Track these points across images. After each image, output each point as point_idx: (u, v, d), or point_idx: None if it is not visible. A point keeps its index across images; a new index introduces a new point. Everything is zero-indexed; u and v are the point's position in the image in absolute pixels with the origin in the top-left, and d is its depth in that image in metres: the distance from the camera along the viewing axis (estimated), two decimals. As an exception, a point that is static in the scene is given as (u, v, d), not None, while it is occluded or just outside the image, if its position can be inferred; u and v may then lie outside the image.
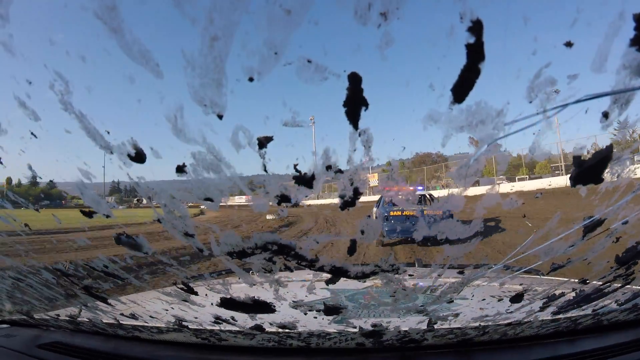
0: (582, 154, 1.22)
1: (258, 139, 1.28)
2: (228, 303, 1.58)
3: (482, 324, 1.65)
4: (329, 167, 1.27)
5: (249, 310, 1.62)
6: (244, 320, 1.68)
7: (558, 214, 1.66)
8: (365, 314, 2.24)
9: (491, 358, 1.65)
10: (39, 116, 1.45)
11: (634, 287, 1.80)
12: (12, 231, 1.92)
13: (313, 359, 1.69)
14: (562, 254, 1.59)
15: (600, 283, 1.72)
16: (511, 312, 1.72)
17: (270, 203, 1.38)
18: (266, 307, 1.60)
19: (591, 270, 1.70)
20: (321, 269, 1.40)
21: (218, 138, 1.26)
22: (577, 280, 1.92)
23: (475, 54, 1.07)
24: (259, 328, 1.64)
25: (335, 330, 1.68)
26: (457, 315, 1.78)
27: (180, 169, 1.30)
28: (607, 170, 1.19)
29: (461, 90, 1.13)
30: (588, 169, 1.19)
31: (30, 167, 1.74)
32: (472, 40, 1.05)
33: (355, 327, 1.67)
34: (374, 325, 1.61)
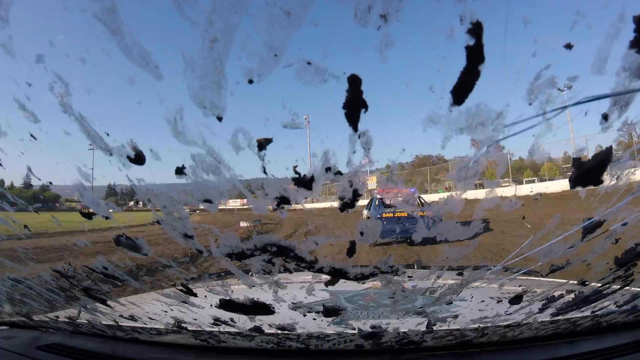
0: (582, 156, 1.22)
1: (257, 140, 1.28)
2: (227, 304, 1.58)
3: (481, 325, 1.65)
4: (328, 169, 1.27)
5: (248, 311, 1.62)
6: (243, 321, 1.68)
7: (558, 216, 1.66)
8: (365, 315, 2.24)
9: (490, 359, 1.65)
10: (38, 118, 1.45)
11: (633, 288, 1.80)
12: (12, 234, 1.92)
13: None
14: (561, 255, 1.59)
15: (600, 285, 1.72)
16: (510, 313, 1.72)
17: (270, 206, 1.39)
18: (265, 309, 1.60)
19: (590, 271, 1.70)
20: (320, 271, 1.40)
21: (217, 140, 1.26)
22: (576, 282, 1.92)
23: (475, 56, 1.07)
24: (258, 330, 1.64)
25: (334, 332, 1.68)
26: (456, 316, 1.78)
27: (180, 171, 1.30)
28: (606, 172, 1.19)
29: (461, 92, 1.13)
30: (587, 171, 1.19)
31: (29, 169, 1.74)
32: (471, 42, 1.05)
33: (354, 329, 1.67)
34: (373, 327, 1.61)
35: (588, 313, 1.72)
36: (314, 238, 1.39)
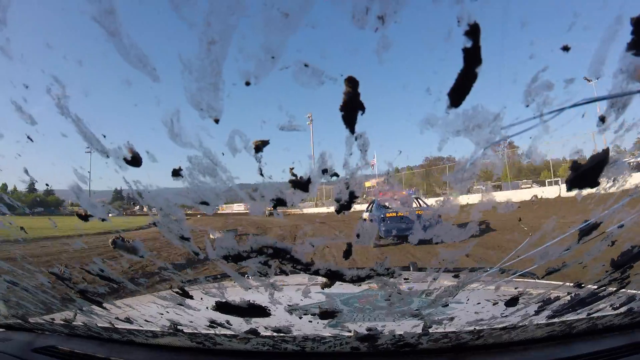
0: (580, 158, 1.22)
1: (254, 143, 1.28)
2: (223, 307, 1.58)
3: (477, 327, 1.65)
4: (325, 171, 1.27)
5: (244, 314, 1.62)
6: (239, 324, 1.68)
7: (554, 218, 1.66)
8: (360, 317, 2.24)
9: None
10: (35, 120, 1.45)
11: (628, 291, 1.80)
12: (7, 236, 1.92)
13: None
14: (557, 257, 1.59)
15: (595, 287, 1.72)
16: (506, 315, 1.72)
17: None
18: (261, 311, 1.60)
19: (586, 274, 1.70)
20: (316, 273, 1.40)
21: (214, 142, 1.26)
22: (572, 284, 1.93)
23: (472, 58, 1.07)
24: (254, 332, 1.64)
25: (330, 334, 1.68)
26: (452, 319, 1.78)
27: (177, 173, 1.30)
28: (603, 174, 1.19)
29: (458, 94, 1.13)
30: (584, 173, 1.19)
31: (26, 171, 1.74)
32: (469, 44, 1.05)
33: (350, 331, 1.67)
34: (369, 329, 1.61)
35: (584, 315, 1.73)
36: (310, 240, 1.39)
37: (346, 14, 1.03)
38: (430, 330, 1.66)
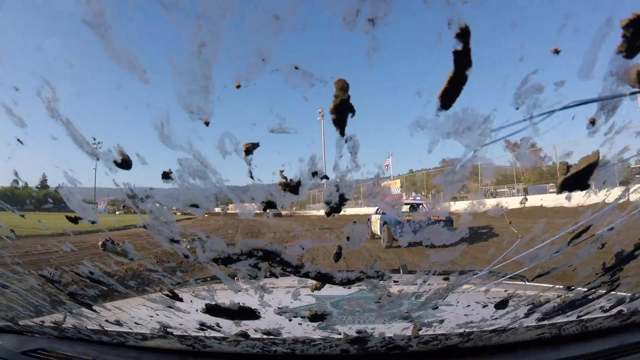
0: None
1: (244, 145, 1.28)
2: (213, 309, 1.57)
3: (467, 330, 1.65)
4: (315, 174, 1.27)
5: (233, 316, 1.62)
6: (229, 326, 1.68)
7: (544, 220, 1.66)
8: (350, 320, 2.25)
9: None
10: (25, 122, 1.44)
11: (618, 293, 1.81)
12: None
13: None
14: (547, 260, 1.60)
15: (585, 289, 1.73)
16: (496, 318, 1.72)
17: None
18: (251, 314, 1.60)
19: (576, 276, 1.71)
20: (306, 275, 1.40)
21: (204, 144, 1.26)
22: (562, 287, 1.93)
23: (463, 60, 1.07)
24: (243, 334, 1.63)
25: (320, 337, 1.68)
26: (441, 321, 1.79)
27: (166, 176, 1.30)
28: (593, 177, 1.20)
29: (448, 96, 1.13)
30: (575, 176, 1.19)
31: (16, 174, 1.73)
32: (459, 47, 1.05)
33: (340, 334, 1.67)
34: (358, 332, 1.61)
35: (574, 318, 1.73)
36: (300, 243, 1.39)
37: (337, 16, 1.04)
38: (420, 333, 1.66)
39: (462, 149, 1.24)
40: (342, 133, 1.21)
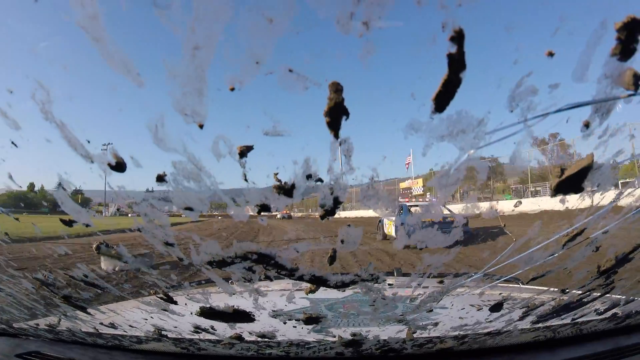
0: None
1: (238, 148, 1.28)
2: (207, 312, 1.57)
3: (462, 333, 1.66)
4: (309, 177, 1.27)
5: (228, 319, 1.62)
6: (224, 329, 1.68)
7: (539, 222, 1.67)
8: (345, 323, 2.25)
9: None
10: (19, 125, 1.44)
11: (613, 296, 1.81)
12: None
13: None
14: (542, 263, 1.60)
15: (580, 292, 1.73)
16: (491, 321, 1.72)
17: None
18: (245, 317, 1.60)
19: (571, 279, 1.71)
20: (301, 278, 1.40)
21: (199, 147, 1.26)
22: (556, 290, 1.94)
23: (457, 63, 1.07)
24: (238, 337, 1.63)
25: (314, 340, 1.68)
26: (436, 324, 1.79)
27: (161, 178, 1.30)
28: (587, 180, 1.20)
29: (442, 99, 1.13)
30: (569, 179, 1.19)
31: (10, 176, 1.73)
32: (453, 49, 1.05)
33: (334, 337, 1.68)
34: (353, 335, 1.61)
35: (568, 321, 1.73)
36: (295, 246, 1.39)
37: (330, 19, 1.03)
38: (415, 336, 1.66)
39: (457, 152, 1.24)
40: (337, 136, 1.21)
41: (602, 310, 1.78)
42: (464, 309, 2.19)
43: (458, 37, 1.04)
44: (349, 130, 1.21)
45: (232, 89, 1.15)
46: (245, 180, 1.32)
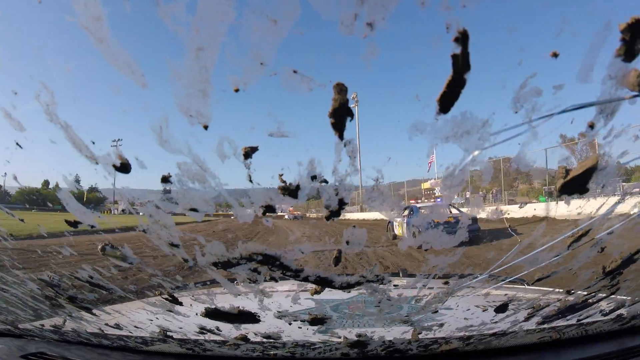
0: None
1: (243, 149, 1.28)
2: (213, 313, 1.57)
3: (467, 334, 1.65)
4: (314, 177, 1.27)
5: (233, 320, 1.62)
6: (229, 330, 1.68)
7: (543, 225, 1.66)
8: (350, 324, 2.25)
9: None
10: (24, 127, 1.44)
11: (618, 297, 1.80)
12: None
13: None
14: (547, 263, 1.60)
15: (585, 293, 1.72)
16: (496, 322, 1.72)
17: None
18: (251, 317, 1.59)
19: (576, 280, 1.71)
20: (306, 279, 1.40)
21: (203, 148, 1.26)
22: (562, 290, 1.93)
23: (461, 64, 1.07)
24: (243, 338, 1.63)
25: (319, 341, 1.68)
26: (441, 325, 1.79)
27: (165, 180, 1.30)
28: (592, 181, 1.19)
29: (447, 100, 1.13)
30: (573, 179, 1.19)
31: (15, 177, 1.73)
32: (457, 50, 1.05)
33: (339, 337, 1.67)
34: (358, 336, 1.61)
35: (574, 322, 1.73)
36: (300, 247, 1.39)
37: (334, 20, 1.03)
38: (420, 337, 1.66)
39: (461, 153, 1.24)
40: (341, 137, 1.21)
41: (608, 311, 1.77)
42: (469, 309, 2.19)
43: (462, 38, 1.04)
44: (352, 133, 1.21)
45: (237, 90, 1.15)
46: (250, 181, 1.32)
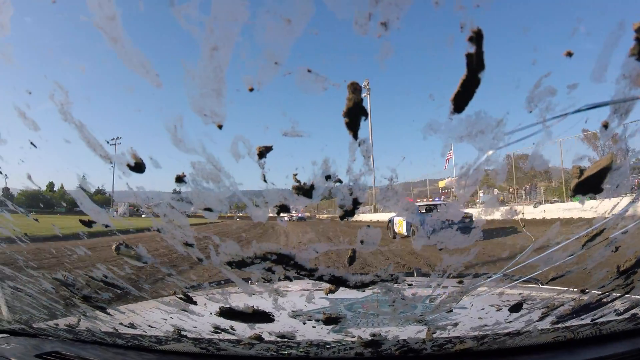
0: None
1: (257, 148, 1.28)
2: (227, 313, 1.58)
3: (481, 333, 1.65)
4: (328, 177, 1.27)
5: (248, 319, 1.62)
6: (243, 329, 1.68)
7: (557, 224, 1.66)
8: (364, 323, 2.25)
9: None
10: (38, 126, 1.45)
11: (632, 296, 1.79)
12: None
13: None
14: (561, 263, 1.59)
15: (600, 292, 1.72)
16: (510, 321, 1.71)
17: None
18: (265, 317, 1.60)
19: (590, 279, 1.70)
20: (320, 279, 1.40)
21: (217, 148, 1.26)
22: (576, 290, 1.92)
23: (475, 63, 1.07)
24: (258, 338, 1.63)
25: (334, 340, 1.68)
26: (456, 324, 1.78)
27: (180, 179, 1.30)
28: (606, 181, 1.19)
29: (461, 99, 1.13)
30: (588, 179, 1.19)
31: (29, 177, 1.74)
32: (472, 49, 1.05)
33: (354, 337, 1.67)
34: (372, 335, 1.60)
35: (588, 321, 1.72)
36: (314, 246, 1.39)
37: (349, 20, 1.03)
38: (434, 336, 1.66)
39: (475, 152, 1.24)
40: (355, 136, 1.21)
41: (622, 311, 1.76)
42: (483, 309, 2.18)
43: (477, 37, 1.03)
44: (365, 132, 1.21)
45: (251, 90, 1.15)
46: (265, 181, 1.32)
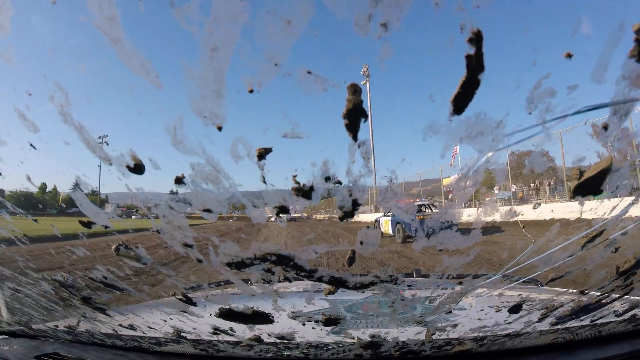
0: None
1: (257, 150, 1.28)
2: (226, 314, 1.57)
3: (481, 334, 1.65)
4: (328, 179, 1.27)
5: (247, 320, 1.62)
6: (243, 331, 1.68)
7: (557, 225, 1.66)
8: (364, 324, 2.25)
9: None
10: (38, 128, 1.45)
11: (632, 297, 1.79)
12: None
13: None
14: (561, 264, 1.59)
15: (599, 294, 1.72)
16: (510, 322, 1.71)
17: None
18: (265, 318, 1.60)
19: (590, 280, 1.70)
20: (320, 280, 1.40)
21: (217, 149, 1.26)
22: (575, 291, 1.92)
23: (475, 65, 1.07)
24: (257, 339, 1.63)
25: (333, 341, 1.68)
26: (455, 325, 1.78)
27: (179, 180, 1.30)
28: (606, 182, 1.19)
29: (461, 101, 1.13)
30: (588, 181, 1.19)
31: (28, 179, 1.74)
32: (471, 51, 1.05)
33: (353, 338, 1.67)
34: (372, 336, 1.61)
35: (587, 322, 1.72)
36: (314, 247, 1.39)
37: (349, 21, 1.03)
38: (434, 337, 1.66)
39: (475, 154, 1.24)
40: (355, 138, 1.21)
41: (621, 312, 1.76)
42: (482, 310, 2.19)
43: (477, 39, 1.03)
44: (365, 134, 1.20)
45: (251, 91, 1.15)
46: (264, 182, 1.32)
